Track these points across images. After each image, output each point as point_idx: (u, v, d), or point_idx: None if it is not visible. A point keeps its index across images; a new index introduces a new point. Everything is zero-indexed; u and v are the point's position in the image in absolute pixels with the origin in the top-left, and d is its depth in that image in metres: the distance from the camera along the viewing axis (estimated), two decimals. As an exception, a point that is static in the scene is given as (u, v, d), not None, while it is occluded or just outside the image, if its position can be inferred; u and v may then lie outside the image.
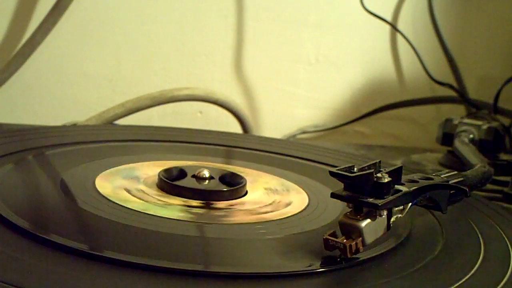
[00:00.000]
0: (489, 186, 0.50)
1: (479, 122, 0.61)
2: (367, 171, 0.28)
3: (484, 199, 0.44)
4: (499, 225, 0.38)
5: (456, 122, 0.62)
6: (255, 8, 0.80)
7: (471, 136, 0.60)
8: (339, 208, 0.36)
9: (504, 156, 0.61)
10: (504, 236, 0.36)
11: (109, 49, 0.75)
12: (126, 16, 0.75)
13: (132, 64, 0.76)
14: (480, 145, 0.59)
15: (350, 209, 0.29)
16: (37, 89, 0.74)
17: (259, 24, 0.80)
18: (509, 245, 0.34)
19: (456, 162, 0.57)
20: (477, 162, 0.45)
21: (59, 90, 0.75)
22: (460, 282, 0.28)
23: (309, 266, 0.29)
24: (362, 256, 0.29)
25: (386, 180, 0.28)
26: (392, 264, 0.30)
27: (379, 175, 0.29)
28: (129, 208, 0.34)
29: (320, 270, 0.28)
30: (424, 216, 0.38)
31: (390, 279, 0.28)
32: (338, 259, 0.29)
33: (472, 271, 0.30)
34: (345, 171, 0.28)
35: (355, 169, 0.29)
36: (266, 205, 0.38)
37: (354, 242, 0.28)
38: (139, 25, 0.76)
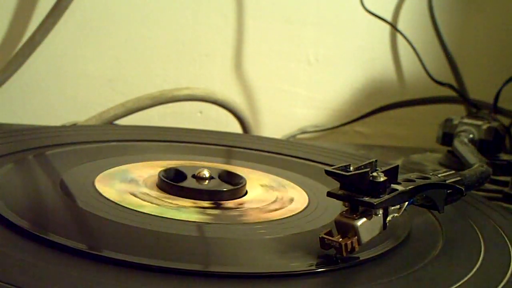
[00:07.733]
0: (489, 186, 0.50)
1: (479, 122, 0.61)
2: (363, 170, 0.28)
3: (484, 199, 0.44)
4: (499, 225, 0.37)
5: (456, 122, 0.62)
6: (255, 8, 0.80)
7: (471, 136, 0.60)
8: (339, 208, 0.36)
9: (504, 156, 0.61)
10: (504, 236, 0.36)
11: (109, 49, 0.75)
12: (126, 16, 0.75)
13: (132, 64, 0.76)
14: (480, 145, 0.59)
15: (346, 208, 0.29)
16: (37, 89, 0.74)
17: (259, 24, 0.80)
18: (509, 245, 0.34)
19: (456, 162, 0.57)
20: (476, 162, 0.45)
21: (59, 90, 0.75)
22: (460, 282, 0.28)
23: (309, 266, 0.29)
24: (362, 256, 0.29)
25: (382, 179, 0.29)
26: (392, 264, 0.30)
27: (375, 174, 0.29)
28: (145, 213, 0.33)
29: (320, 270, 0.28)
30: (424, 216, 0.38)
31: (390, 279, 0.28)
32: (334, 258, 0.29)
33: (472, 271, 0.30)
34: (341, 170, 0.28)
35: (351, 168, 0.29)
36: (272, 202, 0.38)
37: (349, 241, 0.28)
38: (139, 25, 0.76)
